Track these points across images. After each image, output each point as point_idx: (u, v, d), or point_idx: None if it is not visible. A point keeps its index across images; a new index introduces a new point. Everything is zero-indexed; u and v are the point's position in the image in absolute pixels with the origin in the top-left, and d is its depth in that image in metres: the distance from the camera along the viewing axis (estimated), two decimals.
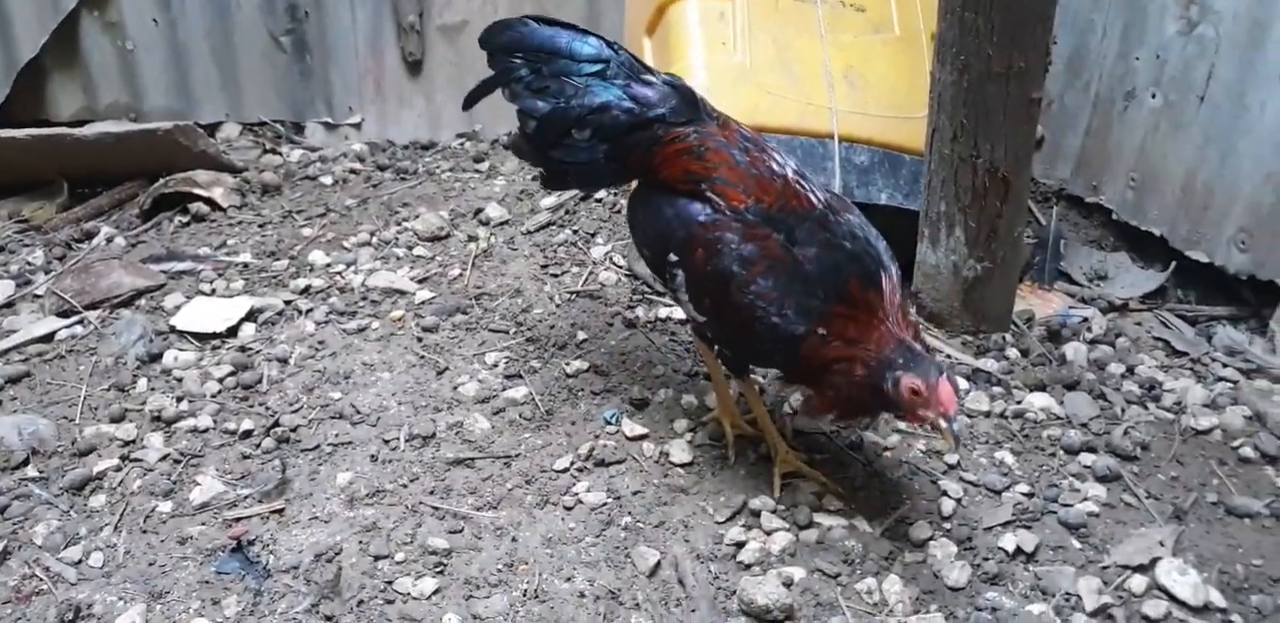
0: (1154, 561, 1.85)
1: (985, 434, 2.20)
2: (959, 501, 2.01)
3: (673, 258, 1.92)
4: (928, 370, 1.65)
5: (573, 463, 2.13)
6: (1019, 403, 2.29)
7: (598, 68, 2.00)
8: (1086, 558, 1.88)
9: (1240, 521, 1.98)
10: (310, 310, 2.74)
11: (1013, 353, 2.49)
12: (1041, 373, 2.39)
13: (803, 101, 2.78)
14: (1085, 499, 2.01)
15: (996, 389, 2.34)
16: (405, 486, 2.09)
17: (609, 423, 2.25)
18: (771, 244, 1.79)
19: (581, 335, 2.58)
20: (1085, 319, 2.67)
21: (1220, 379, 2.44)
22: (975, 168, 2.41)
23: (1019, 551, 1.89)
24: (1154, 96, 2.99)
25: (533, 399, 2.34)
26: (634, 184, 2.13)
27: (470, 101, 2.18)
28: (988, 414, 2.27)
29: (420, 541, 1.93)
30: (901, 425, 2.23)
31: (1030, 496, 2.02)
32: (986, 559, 1.87)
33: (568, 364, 2.45)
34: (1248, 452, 2.16)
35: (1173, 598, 1.78)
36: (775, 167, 1.88)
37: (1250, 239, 2.67)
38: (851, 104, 2.80)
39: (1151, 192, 3.00)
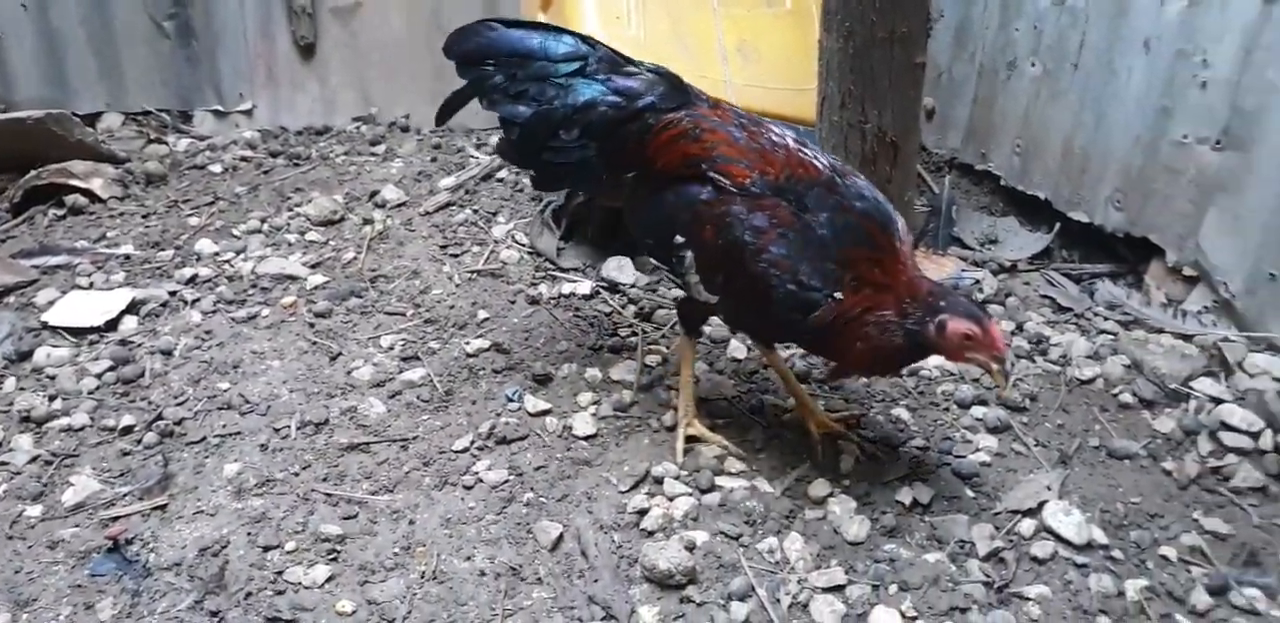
0: (1041, 504, 1.88)
1: (881, 393, 2.21)
2: (857, 457, 2.01)
3: (679, 239, 1.84)
4: (976, 314, 1.60)
5: (473, 442, 2.06)
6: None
7: (576, 65, 1.91)
8: (979, 506, 1.90)
9: (1120, 462, 2.03)
10: (197, 300, 2.58)
11: None
12: None
13: (697, 75, 2.71)
14: (977, 450, 2.04)
15: None
16: (297, 474, 1.98)
17: (511, 400, 2.18)
18: (782, 212, 1.72)
19: (482, 315, 2.50)
20: (977, 281, 2.71)
21: (1102, 332, 2.51)
22: (864, 133, 2.42)
23: (915, 502, 1.90)
24: (1033, 65, 3.04)
25: (431, 381, 2.25)
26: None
27: (443, 116, 2.04)
28: None
29: (312, 528, 1.83)
30: (801, 387, 2.22)
31: (925, 449, 2.03)
32: (884, 513, 1.87)
33: (468, 344, 2.37)
34: (1127, 398, 2.22)
35: (1059, 538, 1.81)
36: (775, 138, 1.82)
37: (1124, 199, 2.75)
38: (746, 77, 2.79)
39: (1035, 157, 3.06)
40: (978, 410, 2.15)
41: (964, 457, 2.01)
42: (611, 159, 1.95)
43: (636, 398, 2.19)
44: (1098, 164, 2.82)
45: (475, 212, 2.97)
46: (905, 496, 1.90)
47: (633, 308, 2.50)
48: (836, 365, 1.85)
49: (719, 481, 1.94)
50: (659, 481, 1.95)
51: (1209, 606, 1.71)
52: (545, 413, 2.14)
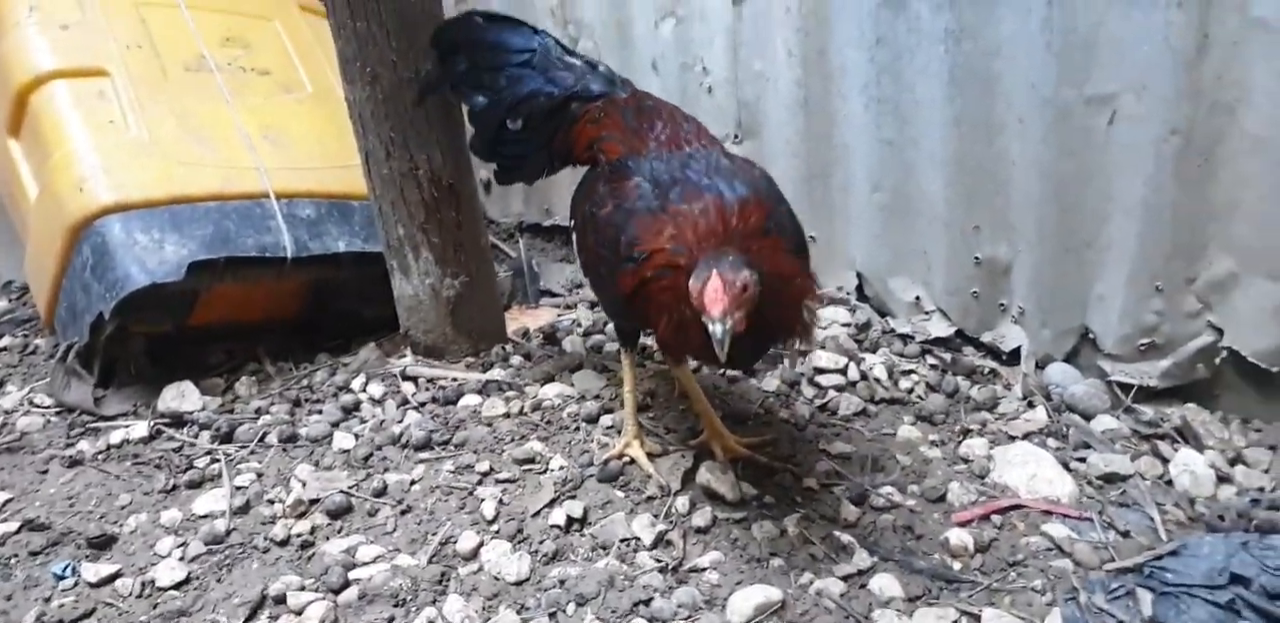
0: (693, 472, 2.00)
1: (510, 433, 2.21)
2: (500, 500, 1.97)
3: (569, 224, 2.03)
4: (703, 271, 1.47)
5: None
6: (535, 397, 2.36)
7: (526, 57, 2.12)
8: (632, 502, 1.95)
9: (744, 424, 2.24)
10: None
11: (517, 360, 2.58)
12: (547, 367, 2.51)
13: (225, 166, 2.65)
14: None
15: (511, 393, 2.40)
16: None
17: (62, 577, 1.84)
18: (627, 185, 1.79)
19: (4, 497, 2.10)
20: (575, 319, 2.90)
21: None
22: (419, 181, 2.43)
23: (571, 520, 1.90)
24: None
25: None
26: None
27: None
28: (508, 415, 2.29)
29: None
30: (424, 455, 2.16)
31: (563, 468, 2.06)
32: (543, 541, 1.84)
33: None
34: (733, 371, 2.47)
35: (717, 497, 1.94)
36: (659, 122, 1.94)
37: None
38: (280, 161, 2.75)
39: None
40: (606, 419, 2.24)
41: (606, 464, 2.06)
42: (552, 149, 2.15)
43: (233, 524, 1.96)
44: None
45: None
46: (559, 517, 1.90)
47: (207, 434, 2.27)
48: (659, 342, 1.82)
49: (352, 575, 1.78)
50: (280, 599, 1.74)
51: (857, 515, 1.91)
52: (114, 577, 1.83)
